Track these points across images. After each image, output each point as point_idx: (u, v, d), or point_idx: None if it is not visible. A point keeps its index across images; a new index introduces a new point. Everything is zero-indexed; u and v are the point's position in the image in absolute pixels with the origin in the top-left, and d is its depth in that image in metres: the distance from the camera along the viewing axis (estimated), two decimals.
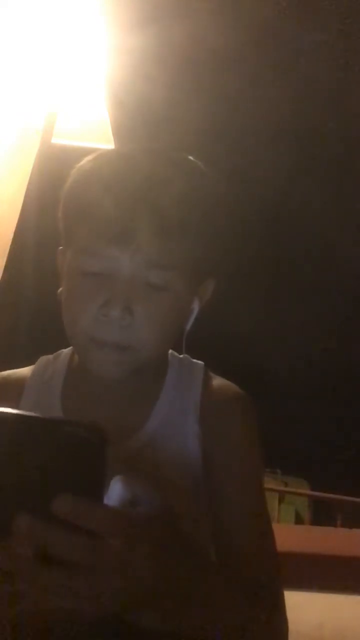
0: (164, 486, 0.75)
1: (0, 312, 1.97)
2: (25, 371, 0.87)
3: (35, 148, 1.94)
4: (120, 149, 0.97)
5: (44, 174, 1.90)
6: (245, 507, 0.77)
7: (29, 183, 1.94)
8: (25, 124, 1.96)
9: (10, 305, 2.03)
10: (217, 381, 0.86)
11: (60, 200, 0.81)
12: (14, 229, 1.91)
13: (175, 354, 0.87)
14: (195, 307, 0.82)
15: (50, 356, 0.89)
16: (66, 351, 0.88)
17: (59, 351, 0.89)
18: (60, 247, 0.83)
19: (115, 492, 0.54)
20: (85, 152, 0.83)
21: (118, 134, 1.96)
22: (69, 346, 0.87)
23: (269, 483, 7.02)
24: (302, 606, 1.49)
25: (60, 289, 0.80)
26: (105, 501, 0.52)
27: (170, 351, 0.86)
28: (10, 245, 1.89)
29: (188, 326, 0.82)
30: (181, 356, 0.87)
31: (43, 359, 0.89)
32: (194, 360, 0.87)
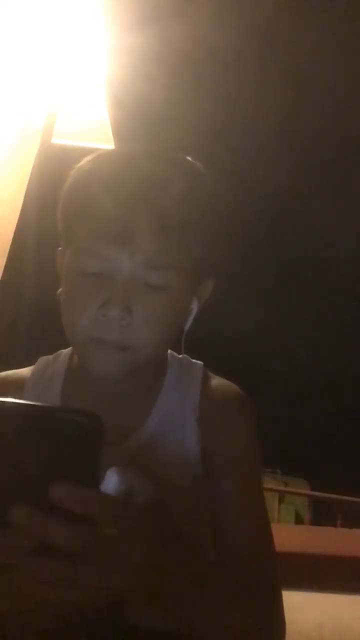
0: (163, 485, 0.75)
1: (0, 312, 1.97)
2: (25, 371, 0.88)
3: (35, 148, 1.94)
4: (120, 150, 0.97)
5: (44, 174, 1.90)
6: (243, 506, 0.77)
7: (29, 183, 1.94)
8: (25, 124, 1.96)
9: (10, 305, 2.03)
10: (216, 381, 0.86)
11: (59, 200, 0.81)
12: (14, 229, 1.91)
13: (175, 354, 0.87)
14: (194, 307, 0.82)
15: (50, 356, 0.89)
16: (66, 351, 0.88)
17: (59, 351, 0.89)
18: (60, 248, 0.83)
19: (109, 483, 0.55)
20: (85, 152, 0.83)
21: (118, 134, 1.96)
22: (68, 346, 0.87)
23: (269, 483, 7.03)
24: (302, 606, 1.49)
25: (60, 289, 0.80)
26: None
27: (169, 351, 0.86)
28: (10, 245, 1.89)
29: (187, 326, 0.82)
30: (180, 356, 0.87)
31: (43, 359, 0.89)
32: (193, 360, 0.87)
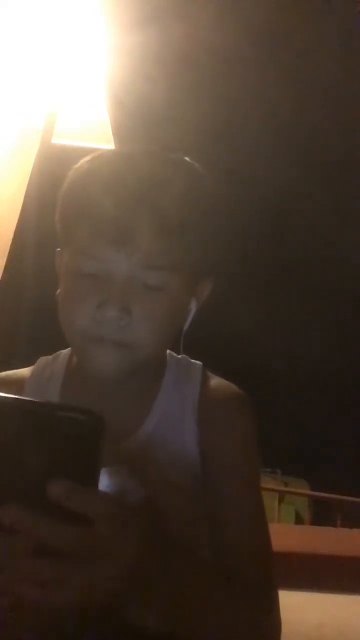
0: (162, 485, 0.75)
1: (0, 312, 1.97)
2: (24, 372, 0.88)
3: (35, 148, 1.94)
4: (118, 150, 0.97)
5: (44, 174, 1.90)
6: (242, 506, 0.77)
7: (29, 183, 1.94)
8: (25, 124, 1.96)
9: (10, 305, 2.04)
10: (215, 381, 0.86)
11: (57, 201, 0.81)
12: (14, 229, 1.91)
13: (174, 354, 0.87)
14: (193, 307, 0.82)
15: (49, 357, 0.89)
16: (65, 352, 0.88)
17: (58, 352, 0.89)
18: (58, 249, 0.83)
19: (102, 483, 0.55)
20: (85, 152, 0.83)
21: (118, 134, 1.96)
22: (68, 347, 0.87)
23: (269, 483, 7.03)
24: (302, 606, 1.49)
25: (59, 290, 0.80)
26: None
27: (168, 351, 0.86)
28: (10, 245, 1.89)
29: (186, 326, 0.82)
30: (179, 356, 0.87)
31: (42, 360, 0.89)
32: (192, 361, 0.87)
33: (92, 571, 0.50)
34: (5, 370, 0.88)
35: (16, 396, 0.51)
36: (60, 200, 0.80)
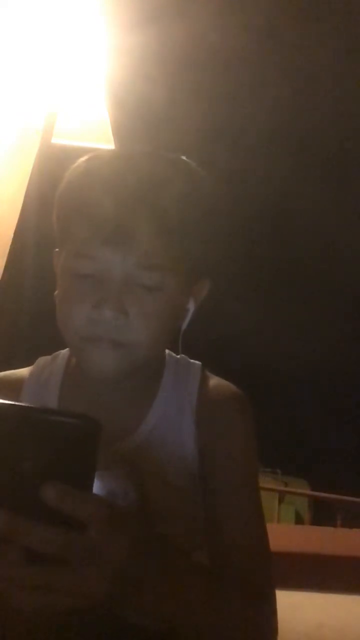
0: (160, 485, 0.75)
1: (0, 312, 1.97)
2: (23, 372, 0.88)
3: (35, 148, 1.94)
4: (115, 150, 0.97)
5: (44, 174, 1.90)
6: (240, 507, 0.77)
7: (29, 183, 1.94)
8: (25, 124, 1.96)
9: (10, 305, 2.04)
10: (214, 381, 0.86)
11: (55, 201, 0.81)
12: (14, 229, 1.91)
13: (173, 354, 0.87)
14: (191, 306, 0.82)
15: (48, 357, 0.89)
16: (64, 352, 0.88)
17: (57, 352, 0.89)
18: (56, 249, 0.83)
19: (96, 487, 0.55)
20: (85, 152, 0.83)
21: (118, 134, 1.96)
22: (67, 347, 0.87)
23: (269, 483, 7.03)
24: (302, 606, 1.49)
25: (57, 291, 0.80)
26: None
27: (167, 351, 0.86)
28: (10, 245, 1.89)
29: (184, 326, 0.82)
30: (178, 356, 0.87)
31: (41, 360, 0.89)
32: (191, 361, 0.87)
33: (84, 575, 0.50)
34: (4, 370, 0.88)
35: (10, 402, 0.51)
36: (58, 200, 0.80)
